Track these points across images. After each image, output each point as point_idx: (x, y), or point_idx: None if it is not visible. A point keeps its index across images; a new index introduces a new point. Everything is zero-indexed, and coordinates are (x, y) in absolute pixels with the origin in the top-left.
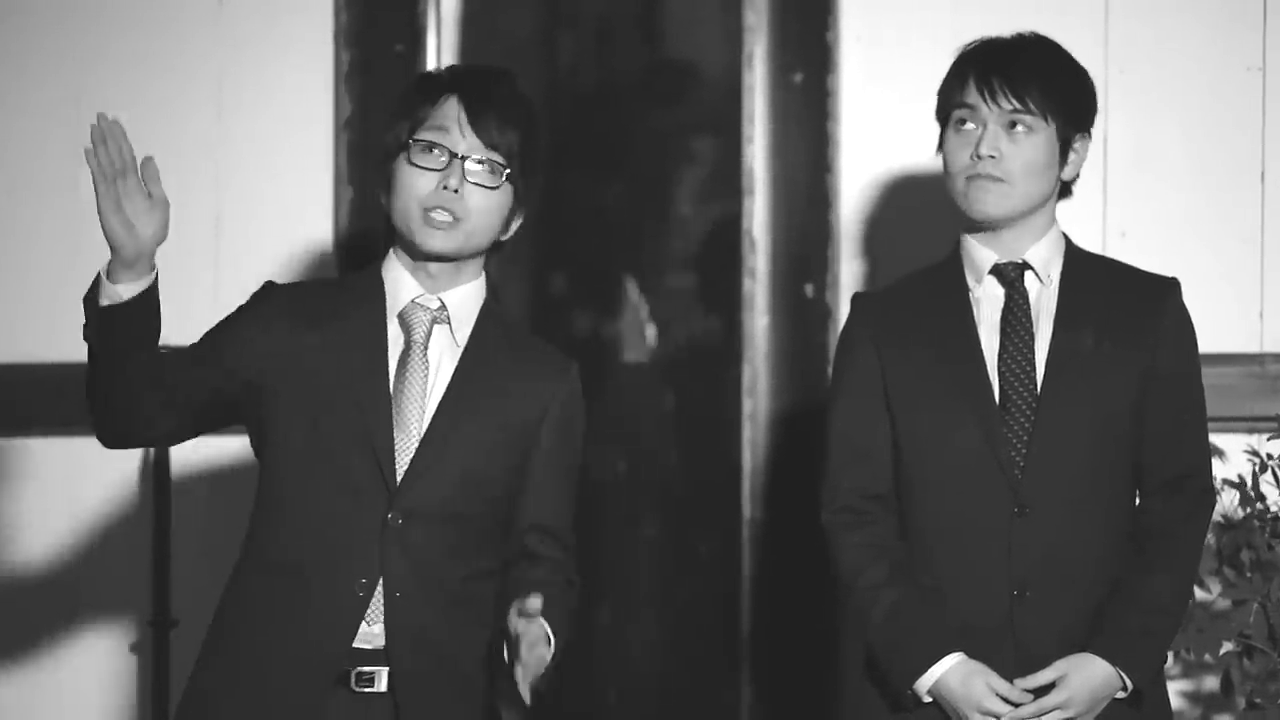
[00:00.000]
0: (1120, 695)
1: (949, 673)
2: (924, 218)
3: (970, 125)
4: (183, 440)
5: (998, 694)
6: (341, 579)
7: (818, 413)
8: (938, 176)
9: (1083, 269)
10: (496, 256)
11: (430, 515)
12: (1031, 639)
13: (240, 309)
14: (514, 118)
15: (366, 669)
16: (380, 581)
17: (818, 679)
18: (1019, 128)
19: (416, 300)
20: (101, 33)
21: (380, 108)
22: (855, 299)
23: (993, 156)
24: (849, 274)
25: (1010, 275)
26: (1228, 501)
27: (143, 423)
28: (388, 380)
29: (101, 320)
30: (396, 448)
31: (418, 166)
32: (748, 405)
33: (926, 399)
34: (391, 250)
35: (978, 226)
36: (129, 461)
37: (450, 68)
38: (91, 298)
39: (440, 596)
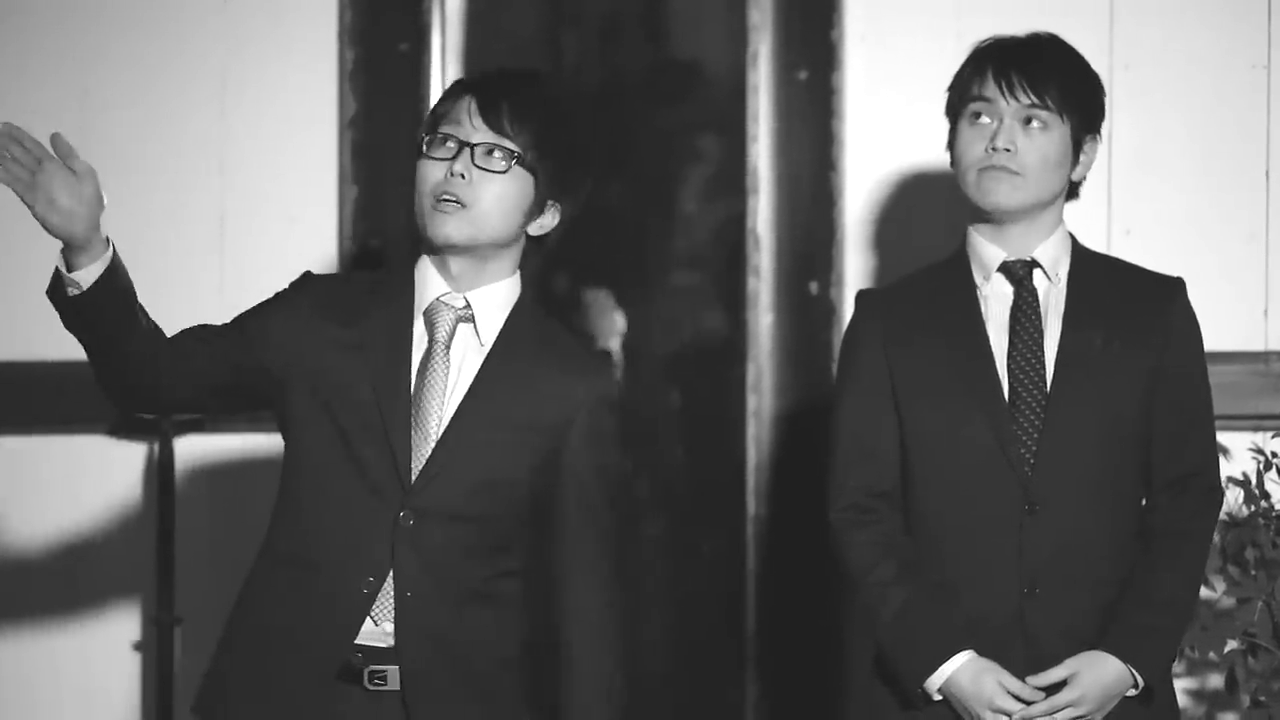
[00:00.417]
0: (1131, 693)
1: (960, 670)
2: (928, 215)
3: (986, 119)
4: (197, 412)
5: (1009, 691)
6: (349, 575)
7: (822, 410)
8: (942, 174)
9: (1090, 268)
10: (536, 257)
11: (444, 516)
12: (1041, 636)
13: (276, 296)
14: (529, 110)
15: (379, 667)
16: (390, 580)
17: (823, 676)
18: (1035, 123)
19: (441, 299)
20: (104, 31)
21: (385, 106)
22: (860, 296)
23: (1008, 149)
24: (853, 272)
25: (1019, 273)
26: (1232, 500)
27: (149, 390)
28: (409, 379)
29: (75, 311)
30: (413, 447)
31: (431, 158)
32: (752, 402)
33: (935, 396)
34: (424, 251)
35: (986, 220)
36: (133, 459)
37: (476, 75)
38: (57, 292)
39: (455, 597)
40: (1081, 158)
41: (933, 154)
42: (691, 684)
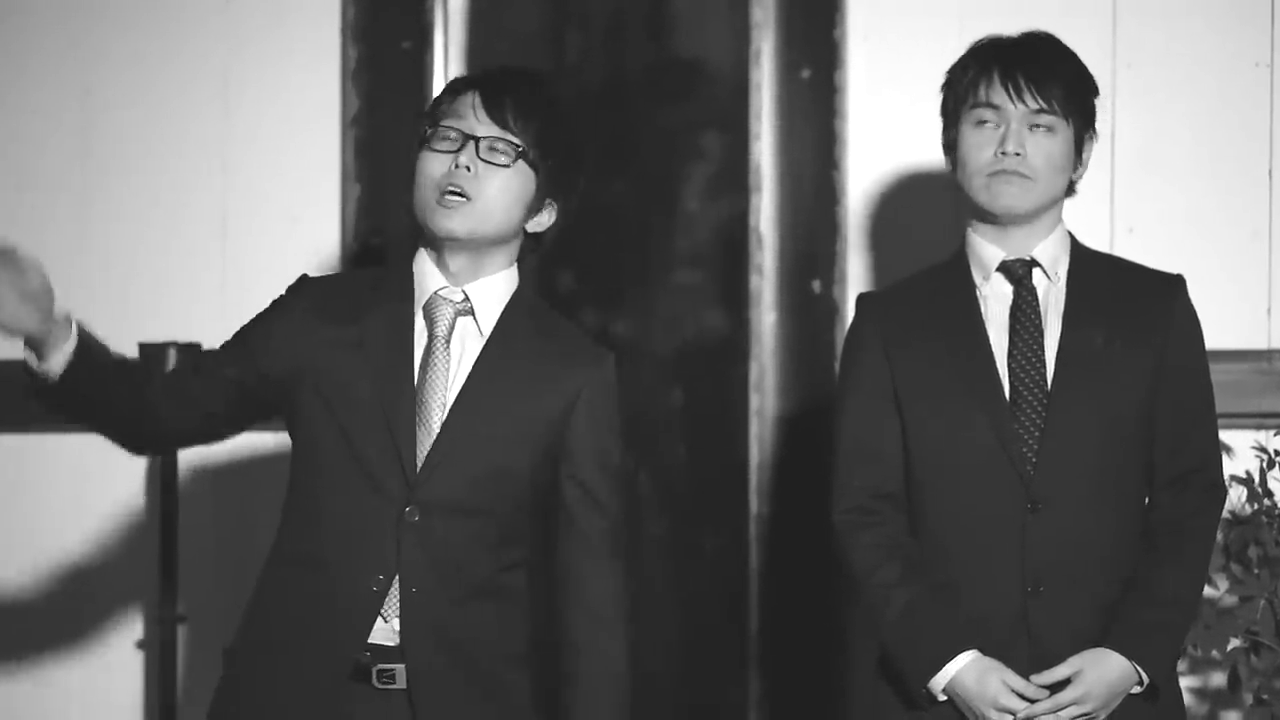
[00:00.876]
0: (1136, 690)
1: (964, 670)
2: (930, 214)
3: (991, 124)
4: (213, 439)
5: (1013, 690)
6: (358, 574)
7: (825, 409)
8: (945, 173)
9: (1089, 267)
10: (532, 255)
11: (449, 509)
12: (1045, 635)
13: (274, 303)
14: (532, 107)
15: (387, 665)
16: (396, 577)
17: (825, 675)
18: (1041, 127)
19: (440, 293)
20: (107, 30)
21: (387, 104)
22: (861, 299)
23: (1018, 154)
24: (856, 270)
25: (1018, 272)
26: (1235, 498)
27: (153, 434)
28: (412, 374)
29: (54, 398)
30: (417, 442)
31: (433, 150)
32: (755, 401)
33: (936, 397)
34: (421, 245)
35: (991, 221)
36: (136, 458)
37: (482, 71)
38: (30, 377)
39: (461, 591)
40: (1082, 157)
41: (935, 153)
42: (694, 683)
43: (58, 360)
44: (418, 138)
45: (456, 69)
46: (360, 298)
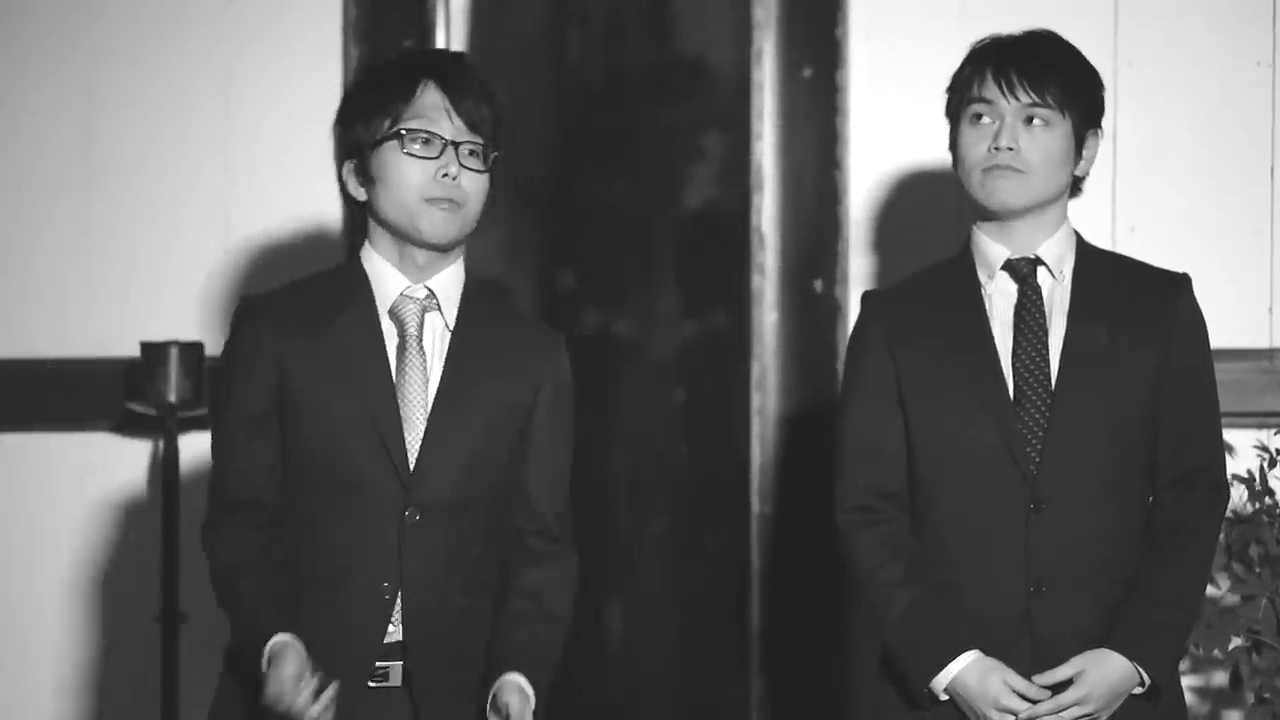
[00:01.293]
0: (1138, 690)
1: (965, 670)
2: (933, 213)
3: (987, 119)
4: None
5: (1015, 690)
6: (368, 583)
7: (827, 408)
8: (946, 172)
9: (1094, 265)
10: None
11: (444, 506)
12: (1048, 635)
13: (235, 358)
14: (486, 98)
15: (382, 664)
16: (400, 578)
17: (827, 675)
18: (1036, 121)
19: (405, 293)
20: (108, 29)
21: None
22: (865, 297)
23: (1011, 149)
24: (858, 269)
25: (1023, 271)
26: (1237, 497)
27: None
28: (390, 378)
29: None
30: (407, 444)
31: (414, 157)
32: (757, 400)
33: (940, 396)
34: (367, 243)
35: (991, 219)
36: (138, 457)
37: (411, 54)
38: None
39: (453, 587)
40: (1084, 153)
41: (937, 152)
42: (695, 683)
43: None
44: (374, 134)
45: None
46: (318, 308)
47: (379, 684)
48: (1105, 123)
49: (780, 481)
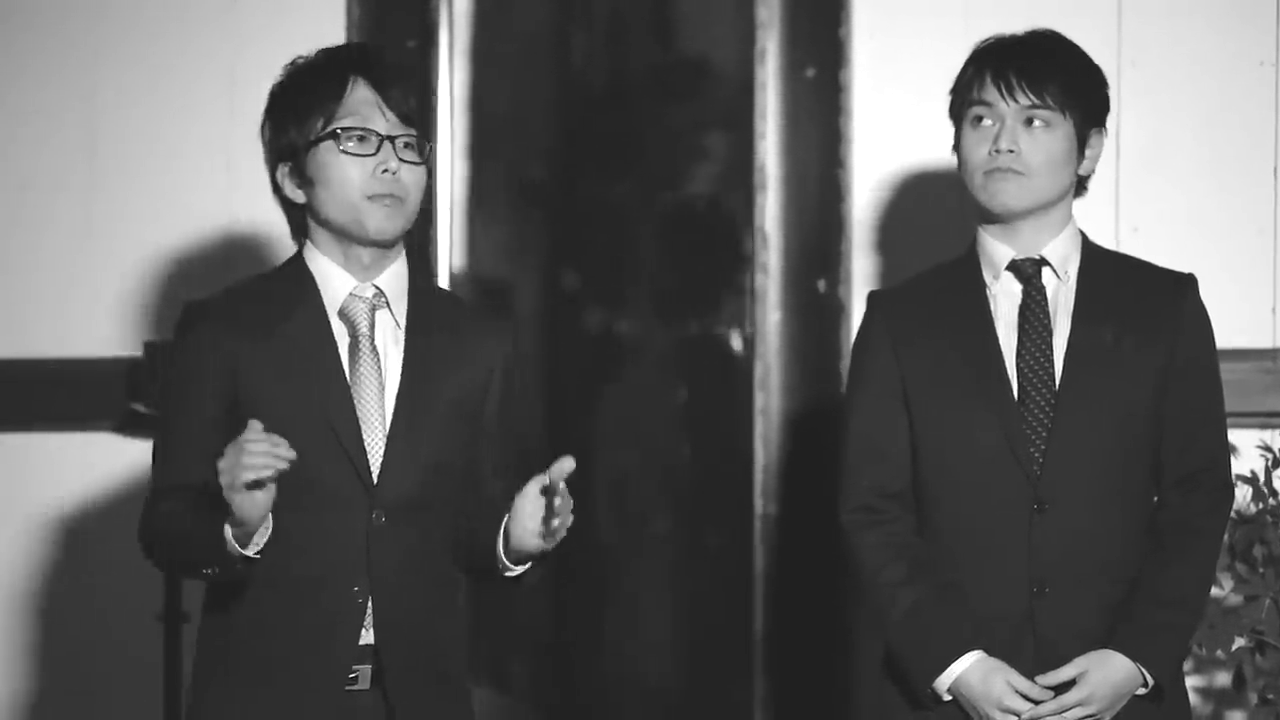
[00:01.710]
0: (1141, 691)
1: (969, 670)
2: (936, 213)
3: (988, 122)
4: None
5: (1018, 691)
6: (339, 588)
7: (830, 408)
8: (950, 172)
9: (1100, 265)
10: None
11: (408, 507)
12: (1051, 635)
13: (183, 362)
14: (411, 89)
15: (354, 667)
16: (369, 582)
17: (830, 675)
18: (1036, 123)
19: (353, 293)
20: (111, 30)
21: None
22: (871, 297)
23: (1011, 151)
24: (861, 269)
25: (1027, 271)
26: (1240, 497)
27: None
28: (345, 380)
29: (239, 567)
30: (367, 446)
31: (352, 155)
32: (760, 400)
33: (945, 396)
34: (308, 243)
35: (995, 220)
36: (141, 457)
37: (332, 52)
38: (220, 558)
39: (421, 587)
40: (1087, 152)
41: (941, 151)
42: (698, 684)
43: (262, 537)
44: (307, 135)
45: (462, 69)
46: (267, 311)
47: (351, 687)
48: (1108, 122)
49: (783, 481)
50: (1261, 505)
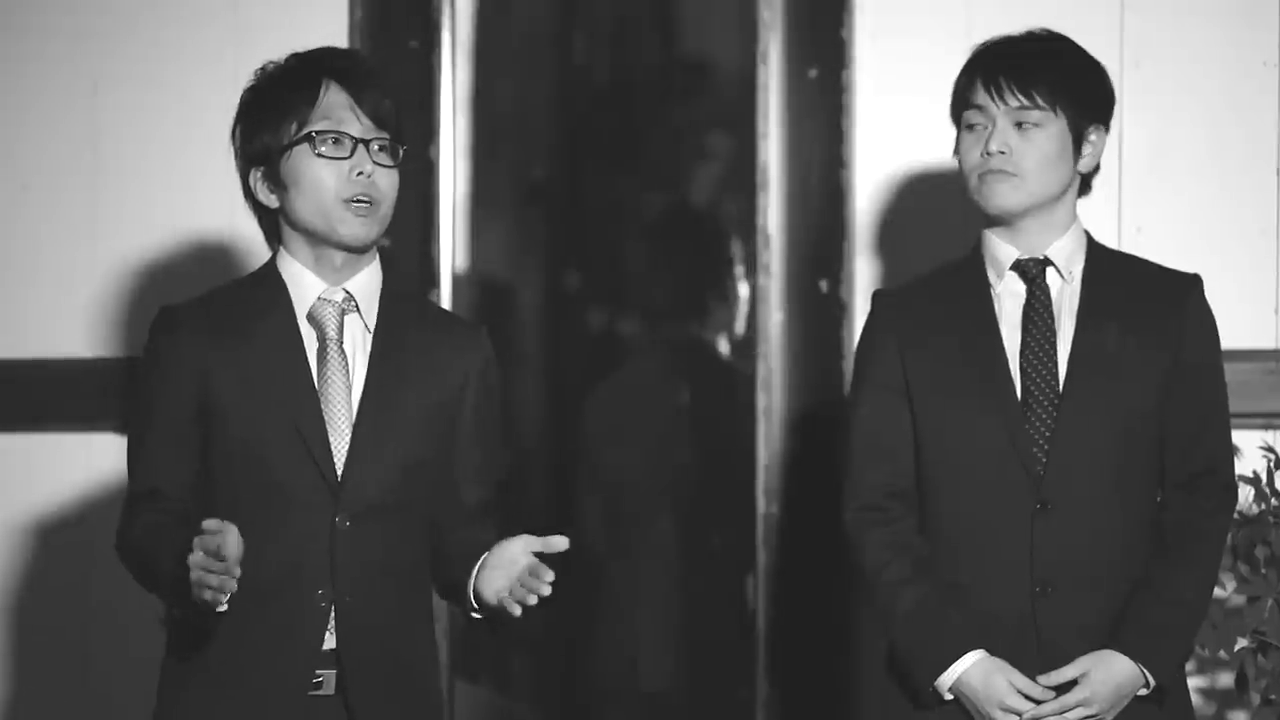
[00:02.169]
0: (1143, 692)
1: (970, 670)
2: (939, 213)
3: (981, 125)
4: None
5: (1019, 691)
6: (303, 592)
7: (832, 408)
8: (953, 172)
9: (1105, 265)
10: None
11: (374, 510)
12: (1054, 635)
13: (156, 368)
14: (388, 91)
15: (318, 673)
16: (332, 586)
17: (833, 675)
18: (1027, 124)
19: (322, 296)
20: (114, 27)
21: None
22: (876, 296)
23: (1002, 152)
24: (863, 270)
25: (1031, 271)
26: (1243, 498)
27: None
28: (312, 383)
29: (201, 617)
30: (333, 448)
31: (326, 158)
32: (762, 401)
33: (948, 396)
34: (282, 248)
35: (998, 222)
36: None
37: (305, 56)
38: (184, 606)
39: (387, 591)
40: (1087, 149)
41: (943, 151)
42: (701, 683)
43: (224, 603)
44: (281, 139)
45: (464, 68)
46: (237, 316)
47: (314, 692)
48: (1111, 123)
49: (785, 482)
50: (1264, 506)
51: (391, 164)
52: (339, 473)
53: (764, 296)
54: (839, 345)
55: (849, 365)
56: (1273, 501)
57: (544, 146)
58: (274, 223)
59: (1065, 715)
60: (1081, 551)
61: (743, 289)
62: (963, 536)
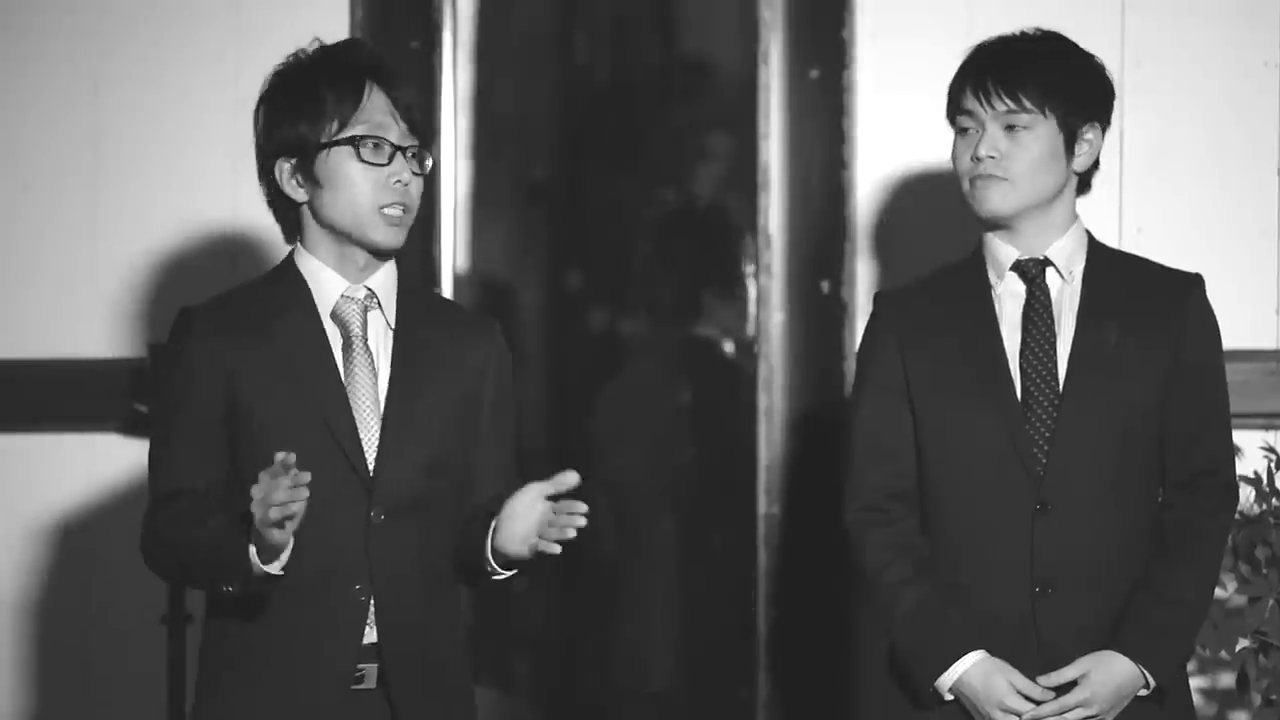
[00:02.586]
0: (1143, 693)
1: (970, 670)
2: (940, 214)
3: (971, 129)
4: None
5: (1019, 691)
6: (341, 587)
7: (834, 408)
8: (952, 173)
9: (1106, 265)
10: None
11: (407, 504)
12: (1054, 636)
13: (181, 369)
14: (415, 95)
15: (359, 667)
16: (370, 581)
17: (834, 675)
18: (1016, 127)
19: (345, 294)
20: (115, 28)
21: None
22: (878, 297)
23: (992, 157)
24: (864, 270)
25: (1031, 272)
26: (1244, 498)
27: None
28: (340, 381)
29: (263, 585)
30: (364, 447)
31: (367, 164)
32: (763, 401)
33: (949, 397)
34: (300, 245)
35: (994, 225)
36: (143, 457)
37: (344, 52)
38: (241, 575)
39: (422, 584)
40: (1082, 147)
41: (944, 152)
42: (702, 683)
43: (282, 559)
44: (319, 136)
45: (465, 68)
46: (260, 315)
47: (356, 686)
48: (1112, 122)
49: (787, 482)
50: (1265, 506)
51: (421, 172)
52: (371, 468)
53: (765, 297)
54: (840, 345)
55: (850, 366)
56: (1274, 502)
57: (545, 146)
58: (295, 215)
59: (1065, 716)
60: (1082, 551)
61: (744, 289)
62: (963, 537)
